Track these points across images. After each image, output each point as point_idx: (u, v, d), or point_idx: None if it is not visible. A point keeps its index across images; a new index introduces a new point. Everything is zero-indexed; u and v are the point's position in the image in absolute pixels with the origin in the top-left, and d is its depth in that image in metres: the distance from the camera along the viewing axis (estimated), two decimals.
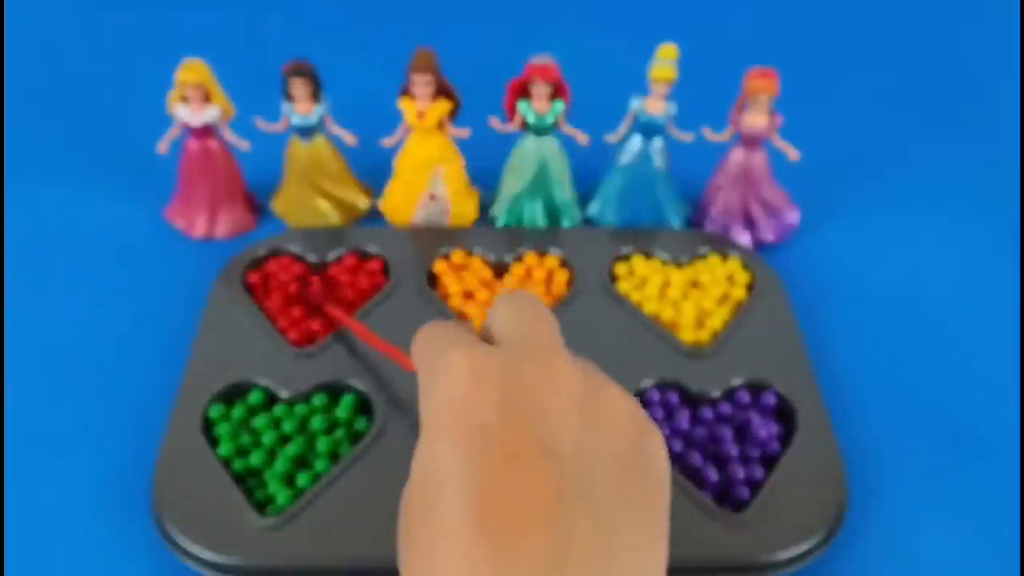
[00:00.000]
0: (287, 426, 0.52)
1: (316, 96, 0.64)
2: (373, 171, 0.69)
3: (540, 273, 0.63)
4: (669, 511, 0.31)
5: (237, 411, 0.53)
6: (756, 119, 0.64)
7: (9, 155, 0.75)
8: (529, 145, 0.66)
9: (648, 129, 0.65)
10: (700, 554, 0.46)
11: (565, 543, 0.27)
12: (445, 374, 0.31)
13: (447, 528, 0.28)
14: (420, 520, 0.30)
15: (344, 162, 0.68)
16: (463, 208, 0.68)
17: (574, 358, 0.33)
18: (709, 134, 0.66)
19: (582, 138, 0.65)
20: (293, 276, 0.62)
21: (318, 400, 0.54)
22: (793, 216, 0.68)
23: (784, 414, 0.54)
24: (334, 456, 0.51)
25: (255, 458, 0.50)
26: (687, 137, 0.66)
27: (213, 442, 0.51)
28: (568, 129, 0.65)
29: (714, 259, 0.64)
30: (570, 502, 0.28)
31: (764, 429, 0.52)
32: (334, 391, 0.54)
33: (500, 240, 0.65)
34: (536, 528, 0.27)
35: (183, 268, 0.65)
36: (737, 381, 0.55)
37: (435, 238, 0.65)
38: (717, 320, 0.59)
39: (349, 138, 0.66)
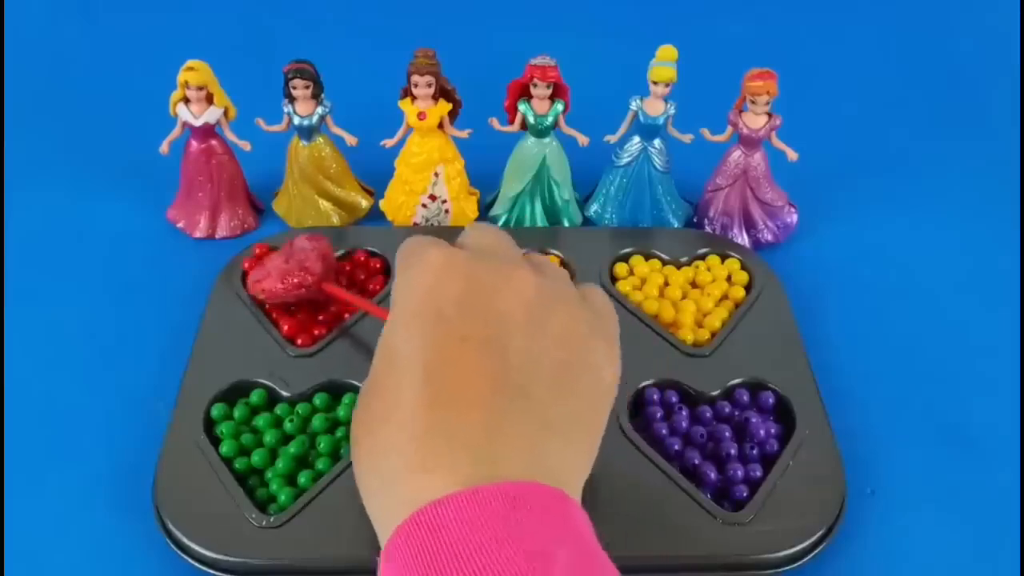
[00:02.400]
0: (288, 425, 0.52)
1: (317, 97, 0.65)
2: (374, 172, 0.70)
3: None
4: (604, 417, 0.36)
5: (239, 410, 0.53)
6: (755, 120, 0.64)
7: (11, 155, 0.75)
8: (529, 145, 0.66)
9: (647, 130, 0.65)
10: (699, 553, 0.47)
11: (497, 422, 0.31)
12: (419, 265, 0.35)
13: (396, 400, 0.32)
14: (373, 394, 0.34)
15: (345, 163, 0.69)
16: (463, 208, 0.68)
17: (544, 274, 0.37)
18: (708, 135, 0.66)
19: (582, 139, 0.65)
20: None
21: (319, 399, 0.54)
22: (792, 216, 0.68)
23: (783, 413, 0.54)
24: (335, 455, 0.51)
25: (256, 457, 0.51)
26: (686, 138, 0.66)
27: (215, 441, 0.51)
28: (568, 130, 0.65)
29: (713, 259, 0.64)
30: (508, 389, 0.32)
31: (763, 428, 0.52)
32: (335, 390, 0.55)
33: None
34: (475, 406, 0.31)
35: (185, 268, 0.65)
36: (736, 381, 0.55)
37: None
38: (716, 320, 0.60)
39: (350, 139, 0.66)
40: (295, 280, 0.57)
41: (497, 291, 0.34)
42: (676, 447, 0.52)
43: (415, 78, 0.62)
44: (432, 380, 0.32)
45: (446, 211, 0.68)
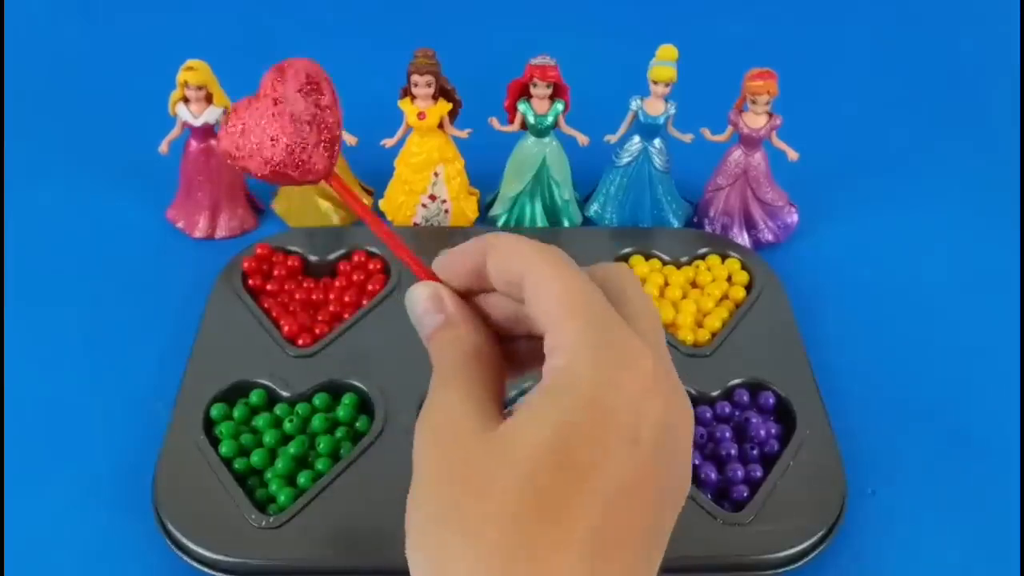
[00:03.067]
0: (288, 426, 0.52)
1: None
2: (374, 171, 0.70)
3: None
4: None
5: (238, 411, 0.53)
6: (755, 120, 0.64)
7: (11, 155, 0.75)
8: (529, 145, 0.66)
9: (648, 130, 0.65)
10: (699, 553, 0.46)
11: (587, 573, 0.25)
12: (619, 367, 0.26)
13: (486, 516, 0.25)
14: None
15: (345, 162, 0.69)
16: (463, 208, 0.68)
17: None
18: (708, 135, 0.66)
19: (582, 138, 0.65)
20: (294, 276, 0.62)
21: (319, 400, 0.54)
22: (792, 216, 0.68)
23: (783, 414, 0.54)
24: (335, 456, 0.51)
25: (256, 458, 0.51)
26: (687, 138, 0.66)
27: (214, 441, 0.51)
28: (568, 129, 0.65)
29: (713, 259, 0.64)
30: (652, 545, 0.27)
31: (763, 429, 0.52)
32: (335, 390, 0.55)
33: None
34: (568, 550, 0.25)
35: (184, 268, 0.65)
36: (736, 381, 0.55)
37: (435, 238, 0.65)
38: (716, 320, 0.59)
39: (350, 139, 0.66)
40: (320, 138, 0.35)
41: (670, 427, 0.28)
42: None
43: (415, 78, 0.62)
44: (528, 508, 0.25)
45: (446, 211, 0.68)
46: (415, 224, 0.68)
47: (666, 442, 0.27)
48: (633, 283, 0.31)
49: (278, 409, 0.54)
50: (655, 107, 0.64)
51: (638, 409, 0.26)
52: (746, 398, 0.55)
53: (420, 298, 0.30)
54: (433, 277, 0.30)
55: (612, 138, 0.66)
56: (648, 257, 0.64)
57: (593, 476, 0.25)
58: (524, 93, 0.64)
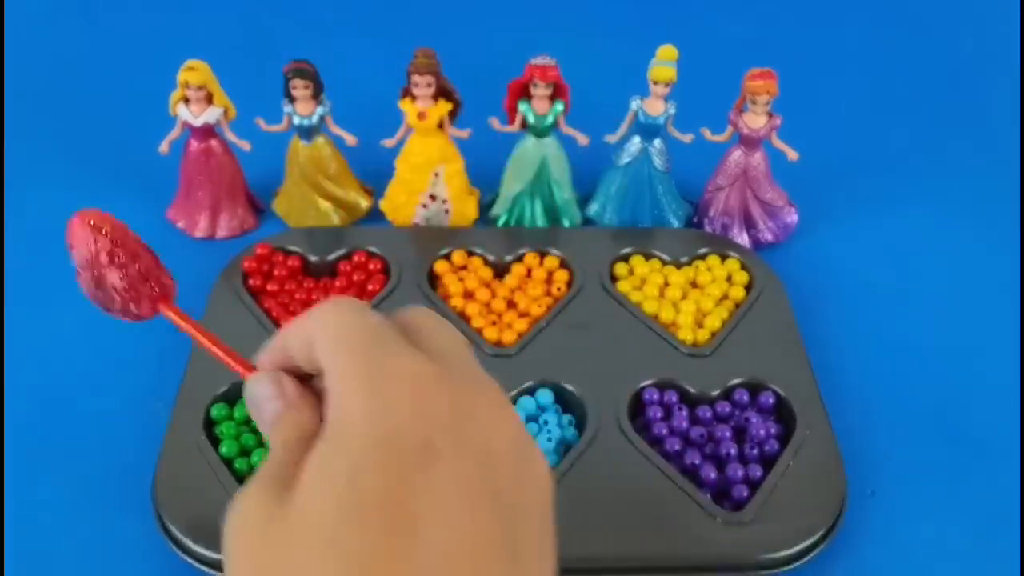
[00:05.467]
0: None
1: (317, 97, 0.65)
2: (374, 171, 0.70)
3: (540, 273, 0.63)
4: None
5: (239, 411, 0.53)
6: (755, 120, 0.64)
7: (11, 155, 0.75)
8: (529, 145, 0.66)
9: (648, 130, 0.65)
10: (699, 553, 0.47)
11: None
12: (390, 383, 0.25)
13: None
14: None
15: (345, 162, 0.69)
16: (463, 208, 0.68)
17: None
18: (708, 135, 0.66)
19: (582, 139, 0.65)
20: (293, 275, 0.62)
21: None
22: (792, 216, 0.68)
23: (783, 414, 0.54)
24: None
25: (257, 458, 0.51)
26: (686, 138, 0.66)
27: (215, 442, 0.51)
28: (568, 130, 0.65)
29: (713, 259, 0.64)
30: (506, 558, 0.24)
31: (763, 429, 0.52)
32: None
33: (500, 240, 0.65)
34: None
35: (185, 268, 0.64)
36: (736, 381, 0.55)
37: (435, 238, 0.65)
38: (716, 320, 0.59)
39: (350, 139, 0.66)
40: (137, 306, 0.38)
41: (488, 426, 0.26)
42: (676, 447, 0.52)
43: (415, 78, 0.62)
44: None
45: (446, 211, 0.68)
46: (415, 224, 0.68)
47: (467, 441, 0.25)
48: (431, 322, 0.29)
49: None
50: (655, 107, 0.64)
51: (424, 423, 0.24)
52: (746, 398, 0.55)
53: (262, 384, 0.28)
54: (255, 370, 0.30)
55: (612, 138, 0.66)
56: (648, 257, 0.64)
57: (403, 520, 0.23)
58: (524, 93, 0.64)
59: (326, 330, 0.27)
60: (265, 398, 0.28)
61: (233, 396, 0.54)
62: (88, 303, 0.55)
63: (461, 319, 0.59)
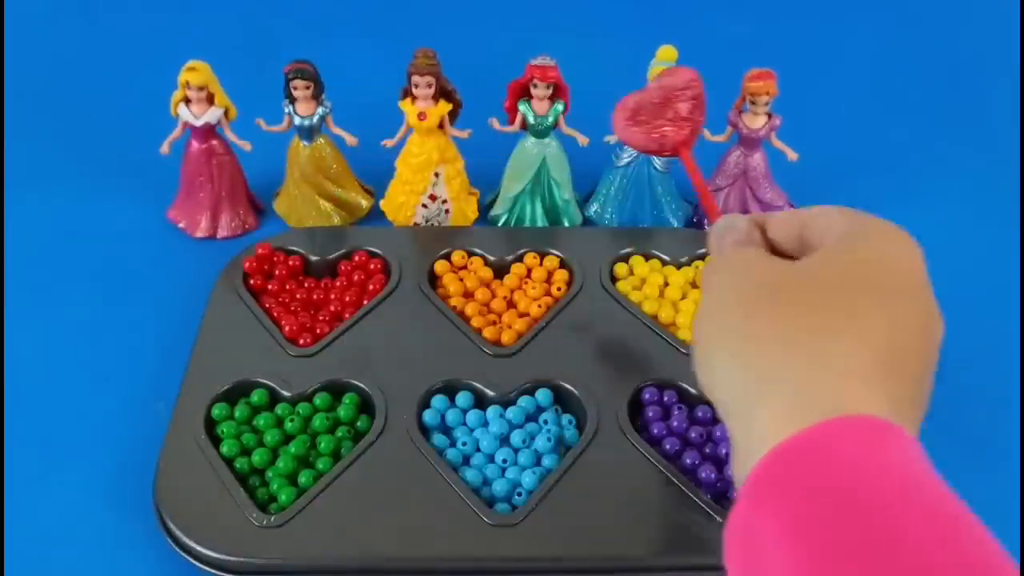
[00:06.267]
0: (289, 425, 0.52)
1: (318, 97, 0.65)
2: (374, 172, 0.70)
3: (540, 273, 0.63)
4: None
5: (240, 410, 0.53)
6: (755, 120, 0.64)
7: (11, 155, 0.75)
8: (529, 146, 0.66)
9: None
10: (699, 553, 0.47)
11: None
12: (891, 242, 0.36)
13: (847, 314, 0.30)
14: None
15: (345, 163, 0.69)
16: (463, 208, 0.68)
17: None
18: (708, 135, 0.66)
19: (582, 139, 0.65)
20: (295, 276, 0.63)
21: (320, 400, 0.54)
22: None
23: None
24: (336, 455, 0.51)
25: (257, 457, 0.51)
26: None
27: (216, 441, 0.51)
28: (568, 130, 0.65)
29: None
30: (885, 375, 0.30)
31: None
32: (336, 390, 0.55)
33: (500, 240, 0.65)
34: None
35: (185, 268, 0.65)
36: None
37: (435, 238, 0.66)
38: None
39: (350, 139, 0.67)
40: (666, 136, 0.49)
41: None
42: (675, 447, 0.52)
43: (415, 78, 0.62)
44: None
45: (446, 211, 0.68)
46: (415, 224, 0.68)
47: (924, 287, 0.34)
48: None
49: (279, 409, 0.54)
50: None
51: (907, 264, 0.34)
52: None
53: (735, 219, 0.36)
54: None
55: (612, 138, 0.67)
56: (648, 257, 0.64)
57: (877, 301, 0.30)
58: (524, 93, 0.64)
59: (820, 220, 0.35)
60: (729, 228, 0.36)
61: (234, 396, 0.54)
62: (90, 303, 0.56)
63: (461, 319, 0.59)
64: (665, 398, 0.55)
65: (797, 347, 0.29)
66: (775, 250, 0.36)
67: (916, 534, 0.23)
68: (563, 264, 0.64)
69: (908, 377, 0.30)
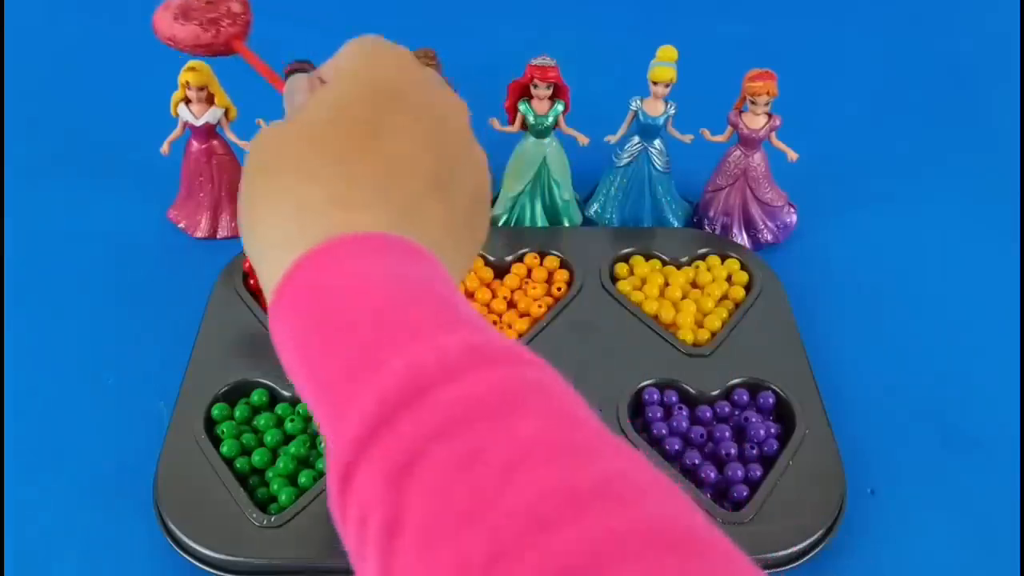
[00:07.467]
0: (289, 425, 0.52)
1: None
2: None
3: (540, 273, 0.63)
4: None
5: (240, 410, 0.53)
6: (755, 120, 0.64)
7: (11, 155, 0.75)
8: (529, 146, 0.66)
9: (647, 130, 0.65)
10: None
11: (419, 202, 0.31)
12: (380, 52, 0.36)
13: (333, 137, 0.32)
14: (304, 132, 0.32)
15: None
16: None
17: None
18: (708, 135, 0.66)
19: (582, 139, 0.65)
20: None
21: None
22: (792, 216, 0.68)
23: (783, 414, 0.54)
24: None
25: (257, 457, 0.51)
26: (686, 138, 0.66)
27: (216, 441, 0.51)
28: (568, 130, 0.65)
29: (713, 259, 0.64)
30: (441, 197, 0.32)
31: (762, 428, 0.52)
32: None
33: (500, 240, 0.65)
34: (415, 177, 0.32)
35: (186, 268, 0.65)
36: (736, 381, 0.56)
37: None
38: (716, 320, 0.60)
39: None
40: (220, 27, 0.50)
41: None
42: (676, 447, 0.52)
43: None
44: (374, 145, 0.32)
45: None
46: None
47: (429, 105, 0.34)
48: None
49: (279, 409, 0.54)
50: (655, 108, 0.64)
51: (401, 78, 0.34)
52: (746, 398, 0.55)
53: (298, 80, 0.39)
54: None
55: (612, 138, 0.67)
56: (648, 257, 0.64)
57: (370, 133, 0.31)
58: (524, 94, 0.64)
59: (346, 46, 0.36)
60: (300, 89, 0.37)
61: (233, 396, 0.54)
62: (90, 303, 0.56)
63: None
64: (665, 398, 0.55)
65: (286, 192, 0.31)
66: None
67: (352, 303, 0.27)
68: (563, 264, 0.64)
69: (408, 192, 0.31)
